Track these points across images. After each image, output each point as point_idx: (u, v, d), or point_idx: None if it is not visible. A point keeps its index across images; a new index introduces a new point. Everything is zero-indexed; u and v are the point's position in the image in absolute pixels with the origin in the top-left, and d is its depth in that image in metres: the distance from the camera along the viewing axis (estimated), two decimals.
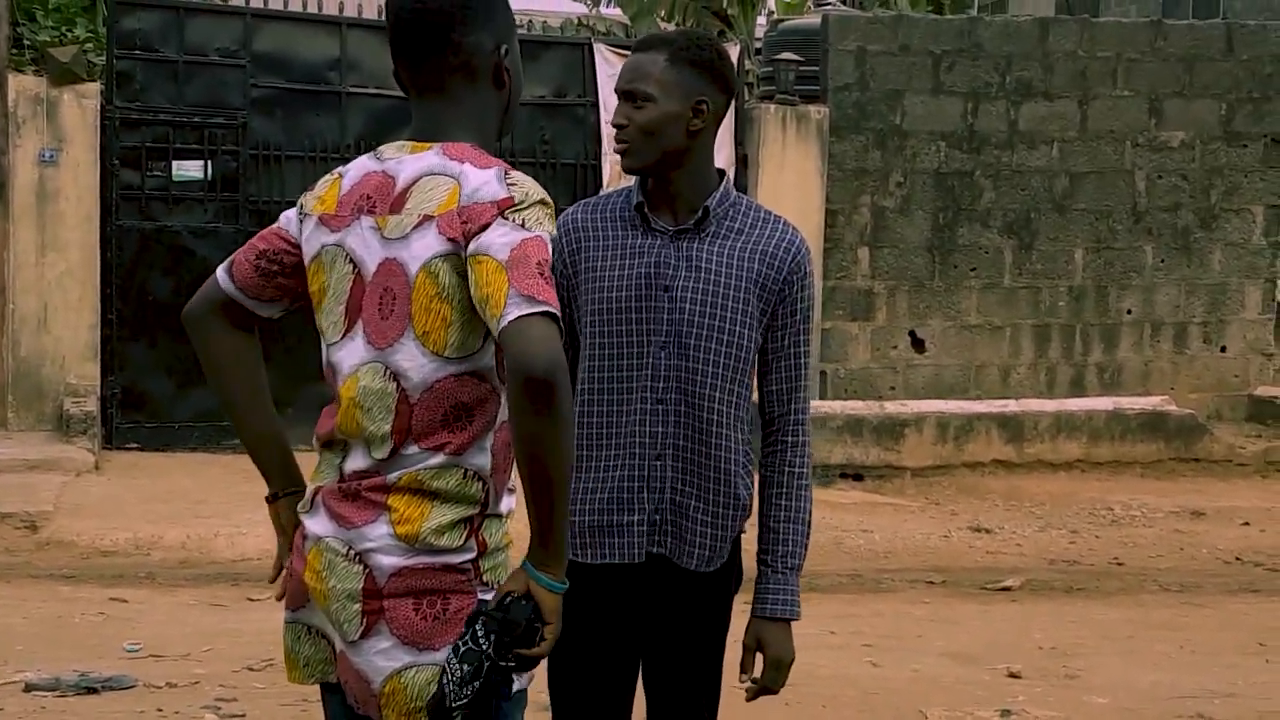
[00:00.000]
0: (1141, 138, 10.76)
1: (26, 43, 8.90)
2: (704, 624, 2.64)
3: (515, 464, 2.03)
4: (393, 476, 2.06)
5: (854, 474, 9.43)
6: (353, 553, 2.07)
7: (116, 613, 5.81)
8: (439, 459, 2.05)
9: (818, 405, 9.24)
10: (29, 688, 4.60)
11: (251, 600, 6.16)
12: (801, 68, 10.17)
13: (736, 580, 2.70)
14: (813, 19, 11.50)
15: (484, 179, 2.05)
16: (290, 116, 9.25)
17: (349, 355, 2.12)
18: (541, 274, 1.96)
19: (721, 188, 2.61)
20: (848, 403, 9.73)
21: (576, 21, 11.05)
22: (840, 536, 7.95)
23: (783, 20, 12.58)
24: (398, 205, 2.09)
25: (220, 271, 2.25)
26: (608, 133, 9.66)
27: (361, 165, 2.19)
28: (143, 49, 8.99)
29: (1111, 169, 10.71)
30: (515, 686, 2.09)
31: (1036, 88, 10.53)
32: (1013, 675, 5.36)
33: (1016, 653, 5.68)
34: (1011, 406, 9.91)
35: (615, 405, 2.54)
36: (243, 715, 4.47)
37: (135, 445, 8.94)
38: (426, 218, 2.06)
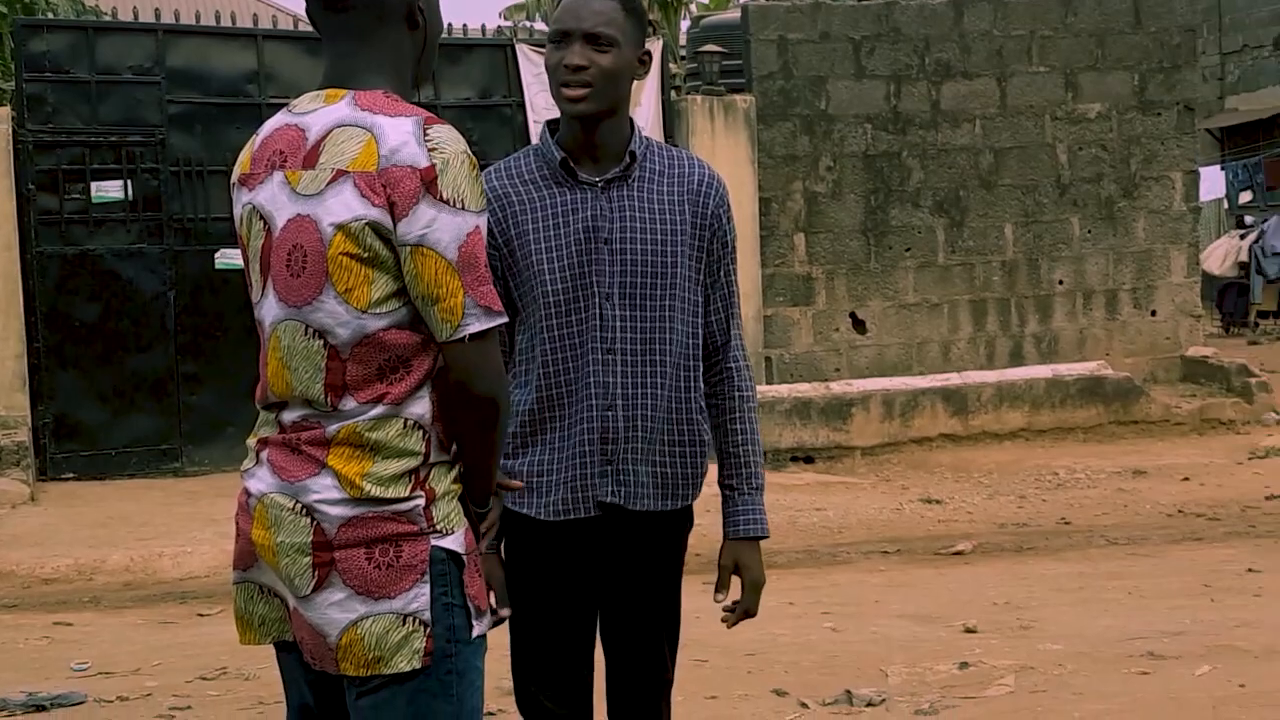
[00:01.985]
0: (1060, 110, 10.92)
1: None
2: (663, 564, 2.63)
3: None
4: (332, 429, 2.02)
5: (804, 456, 9.47)
6: (299, 506, 2.02)
7: (62, 636, 5.68)
8: (378, 410, 2.01)
9: (765, 390, 9.25)
10: None
11: (201, 615, 6.07)
12: (725, 60, 10.23)
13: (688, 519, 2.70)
14: (734, 13, 11.58)
15: (401, 136, 1.99)
16: (210, 131, 9.13)
17: (267, 313, 2.08)
18: (489, 273, 2.02)
19: (636, 133, 2.61)
20: (794, 386, 9.77)
21: (498, 29, 11.07)
22: (794, 516, 7.97)
23: (704, 17, 12.65)
24: (310, 160, 2.04)
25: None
26: (535, 131, 9.65)
27: (275, 121, 2.13)
28: (53, 70, 8.84)
29: (1034, 143, 10.87)
30: (475, 632, 2.06)
31: (955, 67, 10.67)
32: (969, 630, 5.40)
33: (972, 610, 5.73)
34: (954, 380, 10.00)
35: (566, 363, 2.52)
36: None
37: (71, 475, 8.78)
38: (341, 173, 2.00)
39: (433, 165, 1.98)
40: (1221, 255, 17.79)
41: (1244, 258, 17.63)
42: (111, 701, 4.61)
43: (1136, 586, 6.14)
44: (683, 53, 11.38)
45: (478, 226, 2.00)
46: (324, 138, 2.03)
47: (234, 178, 2.16)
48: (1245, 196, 20.61)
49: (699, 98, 10.03)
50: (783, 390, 9.59)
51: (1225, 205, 21.22)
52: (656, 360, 2.54)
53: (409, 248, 1.97)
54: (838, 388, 9.74)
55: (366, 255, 1.98)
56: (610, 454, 2.53)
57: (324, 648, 2.02)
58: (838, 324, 10.46)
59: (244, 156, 2.15)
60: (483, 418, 2.05)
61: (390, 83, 2.10)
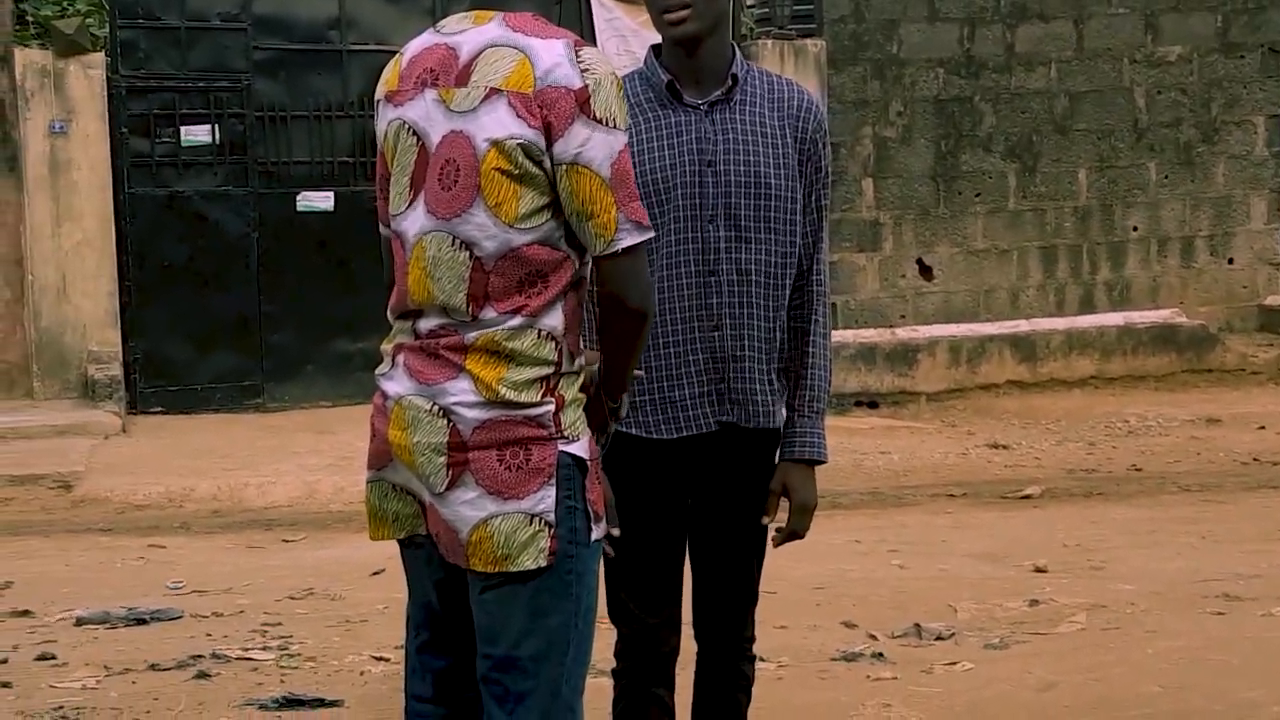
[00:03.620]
0: (1139, 54, 10.77)
1: (30, 18, 8.95)
2: (756, 481, 2.69)
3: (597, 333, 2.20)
4: (470, 337, 2.10)
5: (869, 402, 9.51)
6: (436, 407, 2.11)
7: (156, 557, 5.92)
8: (516, 320, 2.10)
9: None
10: (80, 622, 4.72)
11: (286, 541, 6.28)
12: (796, 4, 10.20)
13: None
14: None
15: (554, 58, 2.07)
16: (293, 77, 9.36)
17: (412, 224, 2.15)
18: (637, 190, 2.14)
19: (737, 56, 2.66)
20: (860, 331, 9.81)
21: None
22: (859, 459, 8.03)
23: None
24: (463, 78, 2.11)
25: (380, 227, 2.28)
26: None
27: (422, 40, 2.21)
28: (145, 17, 9.10)
29: (1110, 87, 10.74)
30: (594, 536, 2.17)
31: (1031, 9, 10.56)
32: (1039, 570, 5.43)
33: (1041, 551, 5.75)
34: (1023, 326, 9.98)
35: (668, 282, 2.57)
36: (290, 636, 4.57)
37: (159, 409, 9.05)
38: (494, 91, 2.07)
39: (586, 86, 2.07)
40: None
41: None
42: (207, 617, 4.84)
43: (1210, 531, 6.13)
44: None
45: (626, 144, 2.11)
46: (476, 56, 2.11)
47: (380, 94, 2.23)
48: None
49: (769, 42, 10.02)
50: (848, 335, 9.63)
51: None
52: (757, 281, 2.59)
53: (565, 166, 2.06)
54: (904, 333, 9.76)
55: (517, 172, 2.07)
56: (720, 374, 2.59)
57: (456, 543, 2.13)
58: (904, 270, 10.46)
59: (389, 74, 2.23)
60: (634, 328, 2.16)
61: (535, 5, 2.18)
